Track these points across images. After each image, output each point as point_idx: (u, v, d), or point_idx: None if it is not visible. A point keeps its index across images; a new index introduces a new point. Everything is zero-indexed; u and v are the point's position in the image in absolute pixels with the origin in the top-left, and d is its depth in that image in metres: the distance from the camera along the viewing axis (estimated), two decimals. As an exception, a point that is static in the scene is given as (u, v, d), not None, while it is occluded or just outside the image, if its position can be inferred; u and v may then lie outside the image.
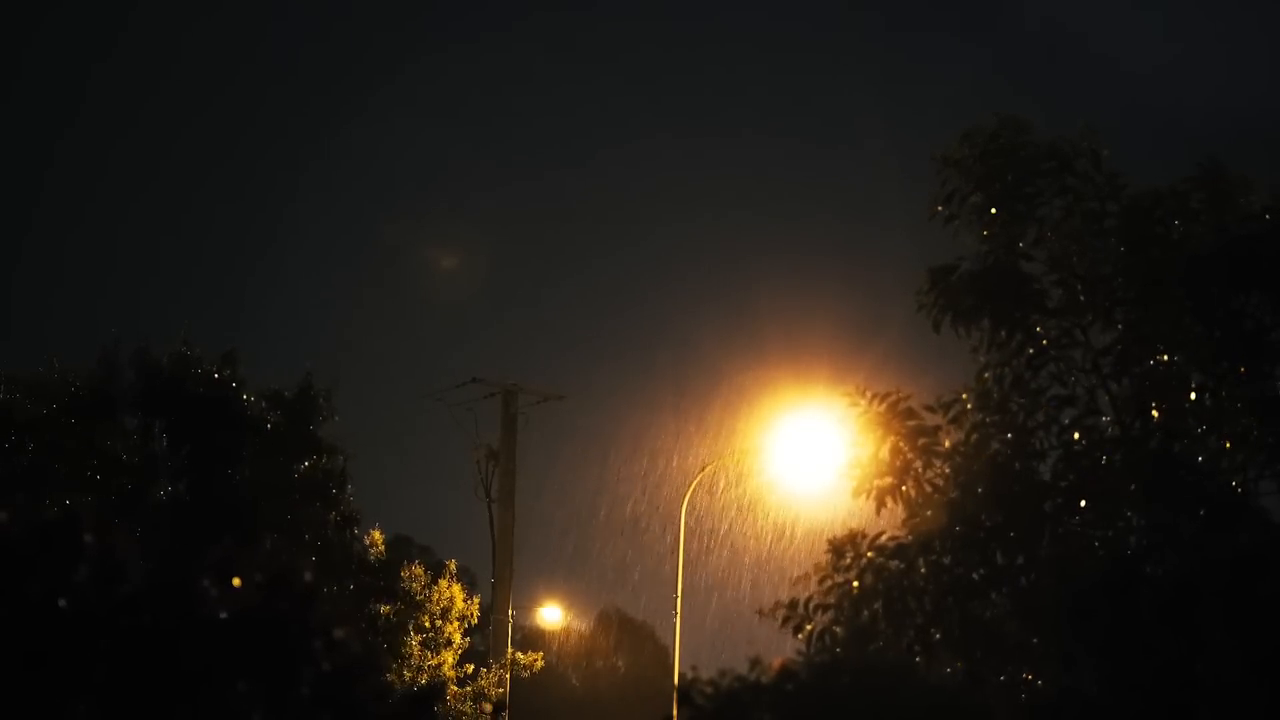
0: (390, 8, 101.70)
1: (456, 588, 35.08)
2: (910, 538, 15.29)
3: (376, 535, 32.71)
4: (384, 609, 32.47)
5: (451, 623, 34.55)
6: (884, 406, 15.58)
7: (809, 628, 15.19)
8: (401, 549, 45.18)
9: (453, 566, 35.67)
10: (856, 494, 15.73)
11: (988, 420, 15.59)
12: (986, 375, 15.74)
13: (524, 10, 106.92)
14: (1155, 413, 15.60)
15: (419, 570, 34.51)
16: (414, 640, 33.78)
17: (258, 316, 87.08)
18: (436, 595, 34.40)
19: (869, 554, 15.21)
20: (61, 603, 7.76)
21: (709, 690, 10.44)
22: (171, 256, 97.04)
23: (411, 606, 33.84)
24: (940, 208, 16.25)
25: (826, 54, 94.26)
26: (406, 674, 33.00)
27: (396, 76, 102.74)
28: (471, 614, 35.28)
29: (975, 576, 15.11)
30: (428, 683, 32.34)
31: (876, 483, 15.59)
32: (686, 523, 39.62)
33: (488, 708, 34.45)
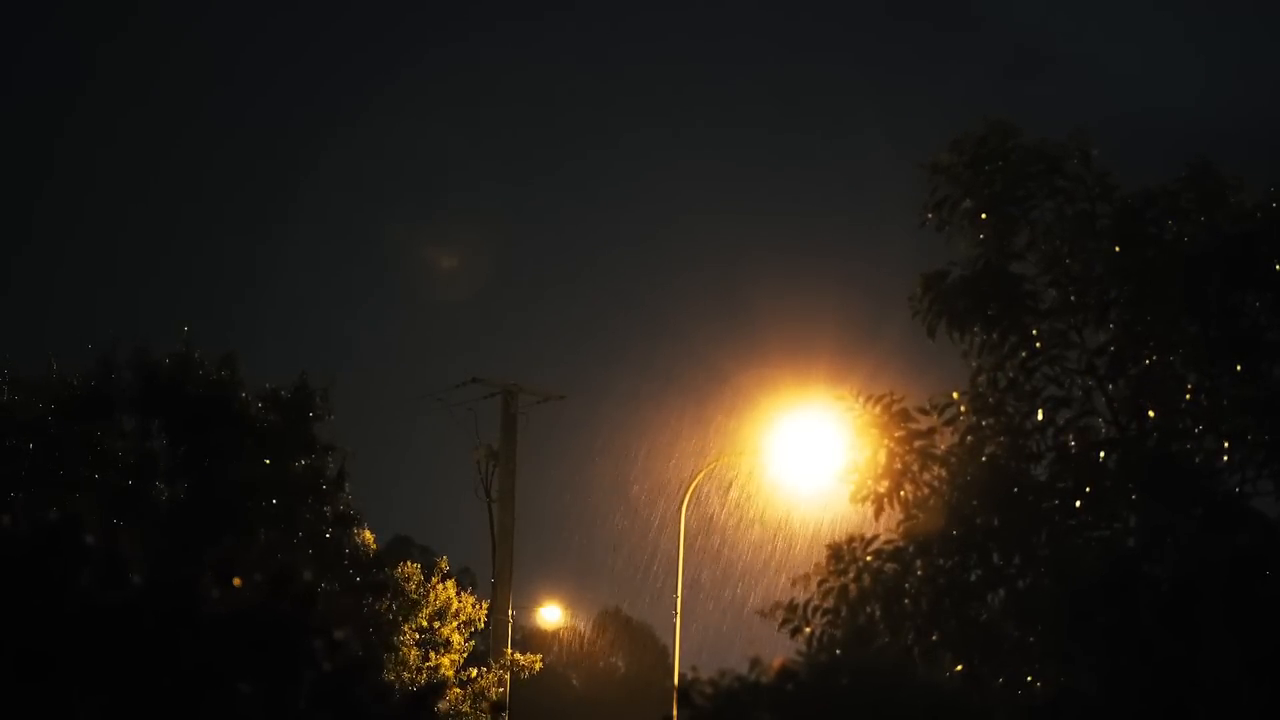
0: (391, 6, 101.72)
1: (454, 588, 35.03)
2: (907, 541, 15.31)
3: (368, 535, 32.68)
4: (382, 605, 32.43)
5: (450, 624, 34.53)
6: (879, 409, 15.61)
7: (808, 629, 15.22)
8: (401, 549, 45.25)
9: (444, 564, 35.50)
10: (854, 499, 15.77)
11: (983, 423, 15.62)
12: (981, 379, 15.78)
13: (525, 11, 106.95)
14: (1151, 413, 15.62)
15: (413, 568, 34.43)
16: (410, 640, 33.75)
17: (258, 317, 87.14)
18: (433, 596, 34.36)
19: (867, 557, 15.24)
20: (63, 604, 7.79)
21: (709, 690, 10.46)
22: (170, 257, 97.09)
23: (407, 605, 33.81)
24: (930, 215, 16.31)
25: (827, 53, 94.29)
26: (406, 675, 32.99)
27: (397, 76, 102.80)
28: (479, 619, 35.27)
29: (973, 578, 15.14)
30: (428, 682, 32.35)
31: (874, 487, 15.62)
32: (686, 523, 39.69)
33: (486, 707, 34.47)
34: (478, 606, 35.12)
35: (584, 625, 68.59)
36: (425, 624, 34.25)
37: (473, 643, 35.44)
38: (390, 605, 33.09)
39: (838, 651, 14.88)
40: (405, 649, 33.48)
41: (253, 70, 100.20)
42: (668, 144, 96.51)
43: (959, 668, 15.05)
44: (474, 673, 35.03)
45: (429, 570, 35.04)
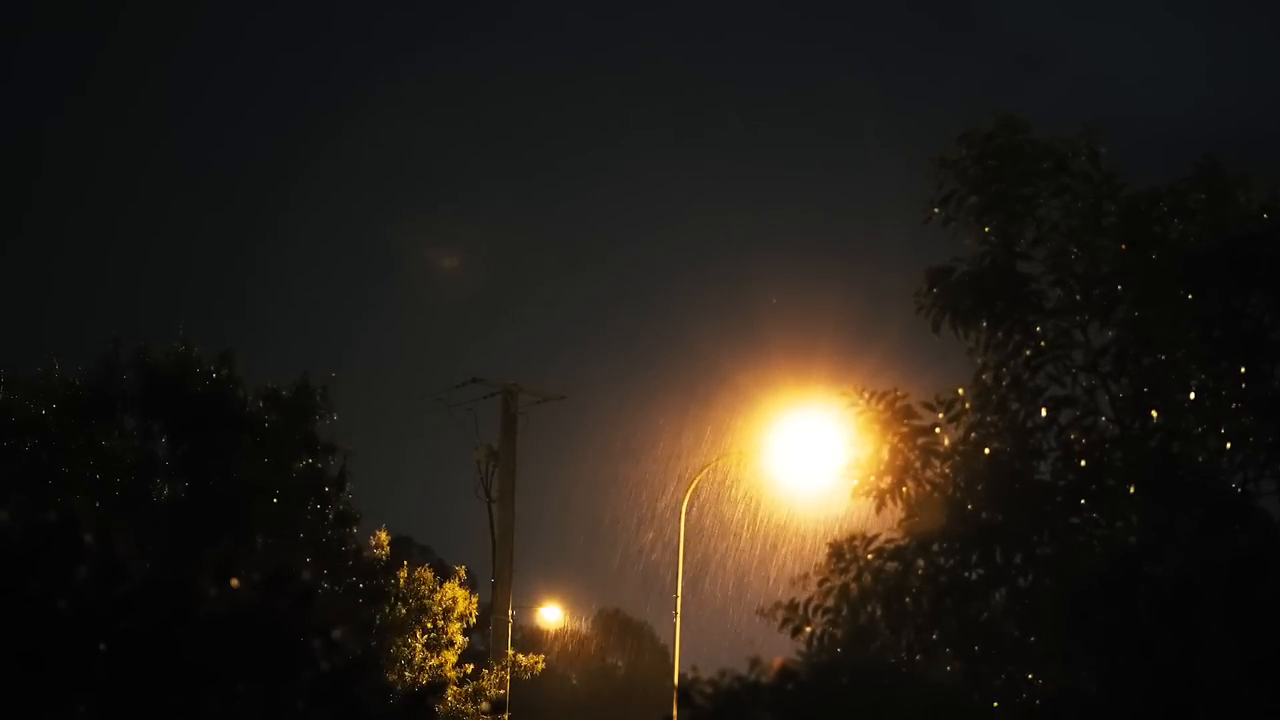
0: (391, 5, 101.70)
1: (459, 590, 35.11)
2: (909, 539, 15.28)
3: (382, 536, 32.74)
4: (383, 610, 32.46)
5: (453, 623, 34.59)
6: (882, 406, 15.57)
7: (808, 629, 15.18)
8: (401, 549, 45.26)
9: (462, 573, 35.80)
10: (856, 495, 15.73)
11: (987, 420, 15.58)
12: (985, 376, 15.74)
13: (525, 9, 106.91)
14: (1154, 412, 15.58)
15: (428, 574, 34.53)
16: (418, 642, 33.81)
17: (259, 317, 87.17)
18: (439, 597, 34.42)
19: (869, 556, 15.20)
20: (61, 602, 7.76)
21: (709, 690, 10.44)
22: (171, 256, 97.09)
23: (418, 610, 33.87)
24: (936, 210, 16.25)
25: (829, 51, 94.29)
26: (408, 674, 33.04)
27: (397, 75, 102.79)
28: (471, 613, 35.31)
29: (974, 576, 15.11)
30: (428, 682, 32.37)
31: (876, 483, 15.58)
32: (686, 523, 39.69)
33: (485, 706, 34.50)
34: (469, 601, 35.12)
35: (584, 625, 68.62)
36: (430, 625, 34.29)
37: (468, 640, 35.47)
38: (401, 608, 33.17)
39: (838, 651, 14.85)
40: (414, 646, 33.56)
41: (252, 68, 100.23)
42: (668, 144, 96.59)
43: (958, 665, 15.02)
44: (469, 668, 35.07)
45: (440, 571, 35.19)
